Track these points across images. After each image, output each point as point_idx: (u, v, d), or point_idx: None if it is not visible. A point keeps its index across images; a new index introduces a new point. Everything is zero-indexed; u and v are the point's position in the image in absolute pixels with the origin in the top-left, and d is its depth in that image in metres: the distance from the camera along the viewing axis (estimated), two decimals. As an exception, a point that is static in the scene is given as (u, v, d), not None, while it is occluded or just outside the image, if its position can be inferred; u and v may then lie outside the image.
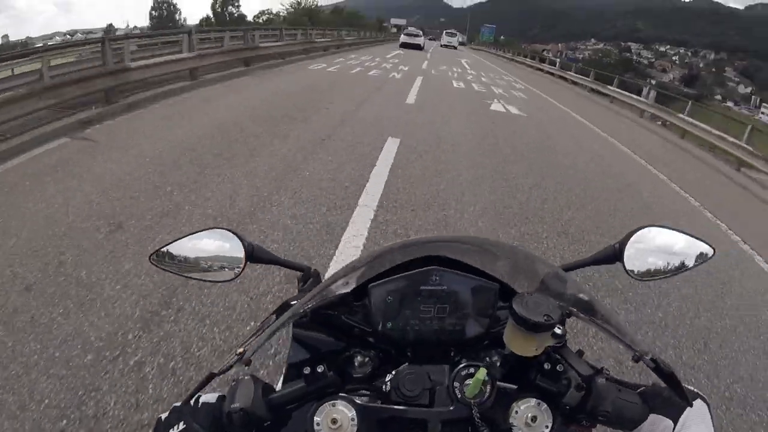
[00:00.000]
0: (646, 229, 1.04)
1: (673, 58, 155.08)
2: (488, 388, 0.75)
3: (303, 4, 72.22)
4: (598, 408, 0.75)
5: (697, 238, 1.05)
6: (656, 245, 1.05)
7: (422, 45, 40.60)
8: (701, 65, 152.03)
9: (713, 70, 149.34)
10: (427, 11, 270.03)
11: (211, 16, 76.43)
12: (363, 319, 0.83)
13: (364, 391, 0.81)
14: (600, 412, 0.75)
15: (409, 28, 54.99)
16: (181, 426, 0.72)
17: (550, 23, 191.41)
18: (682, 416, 0.73)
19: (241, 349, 0.76)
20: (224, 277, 1.02)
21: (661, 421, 0.74)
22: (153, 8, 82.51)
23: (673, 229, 1.06)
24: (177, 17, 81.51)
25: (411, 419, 0.76)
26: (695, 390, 0.77)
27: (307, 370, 0.77)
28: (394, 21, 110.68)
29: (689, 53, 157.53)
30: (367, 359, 0.83)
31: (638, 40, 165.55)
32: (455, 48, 54.78)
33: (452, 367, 0.78)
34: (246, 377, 0.76)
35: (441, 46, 54.15)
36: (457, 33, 68.27)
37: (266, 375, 2.44)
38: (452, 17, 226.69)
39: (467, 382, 0.75)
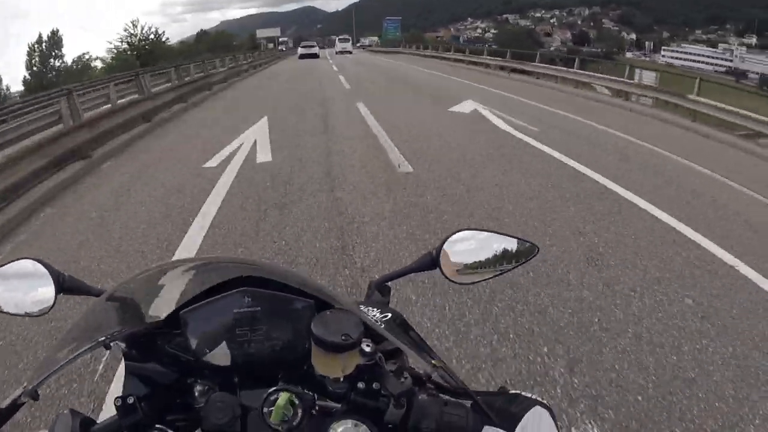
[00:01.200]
0: (462, 232, 1.05)
1: (551, 21, 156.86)
2: (299, 411, 0.74)
3: (139, 36, 60.81)
4: (420, 425, 0.74)
5: (516, 238, 1.05)
6: (475, 247, 1.04)
7: (318, 54, 47.67)
8: (579, 22, 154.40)
9: (592, 24, 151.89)
10: (302, 20, 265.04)
11: (28, 76, 61.63)
12: (185, 348, 0.80)
13: (188, 420, 0.79)
14: (423, 429, 0.74)
15: (303, 42, 58.67)
16: None
17: (425, 11, 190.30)
18: (519, 425, 0.72)
19: (26, 383, 0.73)
20: (36, 311, 0.98)
21: None
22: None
23: (490, 231, 1.06)
24: (-1, 87, 64.57)
25: None
26: (534, 397, 0.77)
27: (118, 402, 0.76)
28: (261, 33, 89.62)
29: (564, 14, 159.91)
30: (207, 387, 0.80)
31: (512, 11, 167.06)
32: (350, 53, 55.37)
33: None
34: (65, 411, 0.76)
35: (336, 53, 54.98)
36: (350, 38, 68.25)
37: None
38: (328, 22, 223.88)
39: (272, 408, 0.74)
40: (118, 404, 0.76)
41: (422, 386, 0.79)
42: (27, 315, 0.99)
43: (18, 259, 0.99)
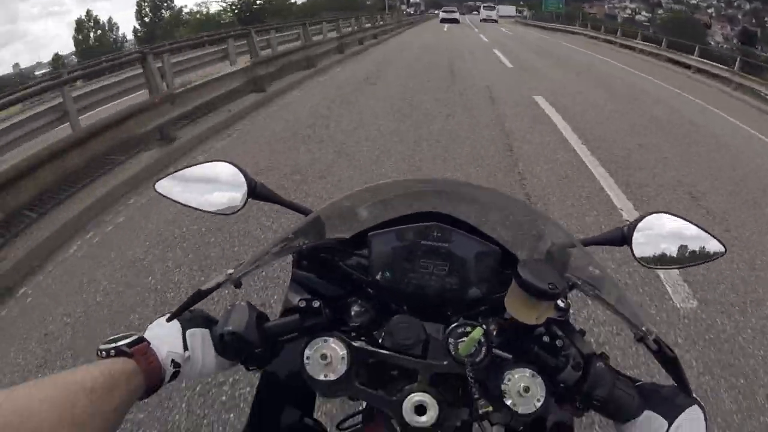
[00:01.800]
0: (657, 215, 1.01)
1: (708, 10, 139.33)
2: (483, 350, 0.75)
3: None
4: (593, 392, 0.74)
5: (709, 234, 1.00)
6: (666, 233, 1.01)
7: (459, 19, 47.36)
8: (740, 17, 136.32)
9: (754, 21, 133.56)
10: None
11: (138, 26, 58.61)
12: (361, 268, 0.84)
13: (357, 335, 0.80)
14: (595, 396, 0.74)
15: (444, 7, 56.16)
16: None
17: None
18: (678, 418, 0.72)
19: (231, 270, 0.76)
20: (225, 210, 1.01)
21: (656, 419, 0.73)
22: (76, 30, 59.43)
23: (686, 220, 1.01)
24: (114, 36, 60.47)
25: (402, 367, 0.77)
26: (694, 396, 0.76)
27: (302, 304, 0.78)
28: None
29: (722, 4, 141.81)
30: (364, 309, 0.82)
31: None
32: (496, 21, 52.70)
33: (448, 326, 0.77)
34: (242, 303, 0.79)
35: (481, 21, 53.03)
36: (495, 6, 61.50)
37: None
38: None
39: (462, 339, 0.75)
40: (303, 305, 0.78)
41: (599, 355, 0.78)
42: (218, 213, 1.01)
43: (216, 161, 1.02)
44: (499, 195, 1.07)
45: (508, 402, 0.73)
